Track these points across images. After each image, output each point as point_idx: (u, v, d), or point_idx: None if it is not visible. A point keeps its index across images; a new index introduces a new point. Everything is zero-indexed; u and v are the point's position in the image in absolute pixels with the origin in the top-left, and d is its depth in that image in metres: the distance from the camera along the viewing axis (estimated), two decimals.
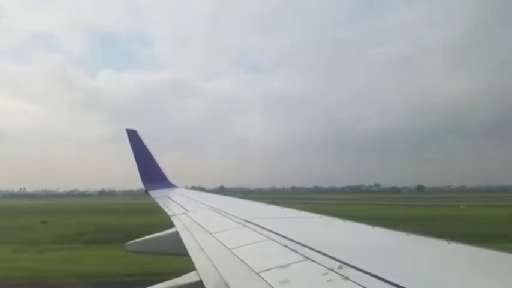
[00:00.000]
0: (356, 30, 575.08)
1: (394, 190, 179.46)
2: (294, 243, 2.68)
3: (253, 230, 3.47)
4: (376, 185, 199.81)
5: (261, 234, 3.22)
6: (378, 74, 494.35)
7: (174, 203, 7.40)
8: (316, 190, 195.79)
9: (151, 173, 11.61)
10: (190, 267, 2.68)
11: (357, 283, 1.76)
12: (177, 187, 11.60)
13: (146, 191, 10.91)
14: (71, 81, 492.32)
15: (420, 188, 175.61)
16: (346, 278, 1.85)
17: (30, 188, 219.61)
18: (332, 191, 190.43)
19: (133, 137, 11.85)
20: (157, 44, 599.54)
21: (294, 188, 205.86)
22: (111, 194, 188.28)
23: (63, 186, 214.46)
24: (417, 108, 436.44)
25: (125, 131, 11.87)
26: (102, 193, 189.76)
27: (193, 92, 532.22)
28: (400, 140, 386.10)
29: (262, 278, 2.03)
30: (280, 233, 3.09)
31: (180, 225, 4.53)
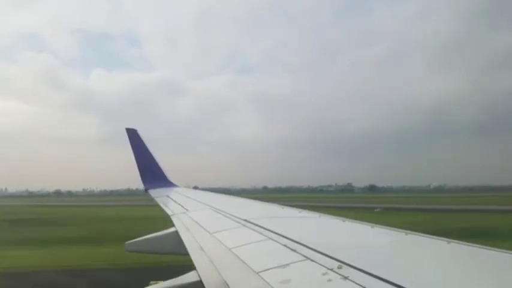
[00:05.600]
0: (343, 31, 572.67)
1: (348, 190, 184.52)
2: (294, 243, 2.68)
3: (253, 229, 3.47)
4: (349, 184, 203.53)
5: (260, 234, 3.22)
6: (364, 74, 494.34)
7: (174, 202, 7.41)
8: (289, 190, 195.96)
9: (151, 172, 11.60)
10: (190, 266, 2.68)
11: (356, 283, 1.76)
12: (176, 186, 11.60)
13: (146, 190, 10.90)
14: (61, 82, 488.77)
15: (372, 188, 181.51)
16: (346, 277, 1.85)
17: (13, 189, 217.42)
18: (307, 190, 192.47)
19: (134, 136, 11.83)
20: (147, 45, 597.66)
21: (265, 188, 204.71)
22: (69, 194, 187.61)
23: (49, 187, 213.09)
24: (401, 108, 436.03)
25: (125, 130, 11.84)
26: (58, 193, 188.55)
27: (181, 92, 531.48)
28: (386, 141, 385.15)
29: (262, 277, 2.03)
30: (280, 232, 3.09)
31: (180, 224, 4.53)
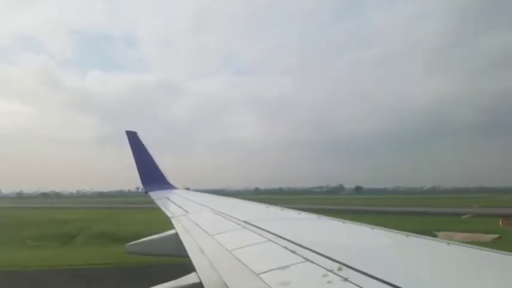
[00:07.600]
0: (343, 31, 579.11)
1: (337, 191, 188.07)
2: (294, 245, 2.67)
3: (252, 231, 3.47)
4: (340, 185, 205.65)
5: (260, 235, 3.21)
6: (364, 74, 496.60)
7: (174, 204, 7.40)
8: (281, 191, 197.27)
9: (151, 174, 11.61)
10: (190, 268, 2.68)
11: (356, 284, 1.76)
12: (176, 188, 11.61)
13: (146, 192, 10.93)
14: (60, 83, 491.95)
15: (358, 189, 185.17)
16: (345, 279, 1.85)
17: (9, 190, 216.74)
18: (298, 192, 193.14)
19: (133, 138, 11.87)
20: (146, 45, 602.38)
21: (256, 189, 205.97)
22: (57, 196, 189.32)
23: (45, 188, 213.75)
24: (401, 109, 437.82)
25: (125, 133, 11.88)
26: (44, 195, 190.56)
27: (180, 92, 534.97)
28: (384, 141, 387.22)
29: (262, 279, 2.03)
30: (279, 234, 3.09)
31: (180, 226, 4.52)
